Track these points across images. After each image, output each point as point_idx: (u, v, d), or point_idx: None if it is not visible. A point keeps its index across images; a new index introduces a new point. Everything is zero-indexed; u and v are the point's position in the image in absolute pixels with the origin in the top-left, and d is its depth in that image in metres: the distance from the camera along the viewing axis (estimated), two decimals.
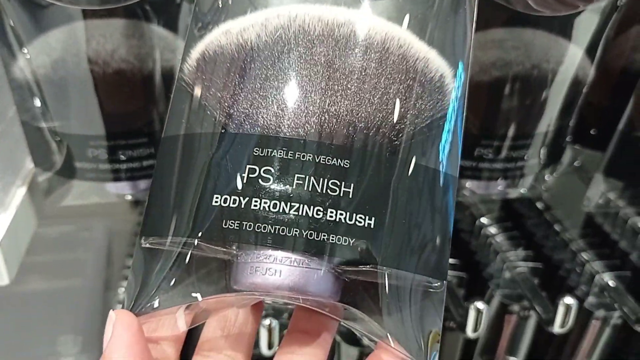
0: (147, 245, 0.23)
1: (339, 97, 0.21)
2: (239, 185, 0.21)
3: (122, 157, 0.36)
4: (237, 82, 0.22)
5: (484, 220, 0.51)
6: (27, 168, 0.38)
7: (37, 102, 0.34)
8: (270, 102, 0.21)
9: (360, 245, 0.21)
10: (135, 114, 0.35)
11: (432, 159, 0.22)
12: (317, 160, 0.21)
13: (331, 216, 0.20)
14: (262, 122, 0.21)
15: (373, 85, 0.22)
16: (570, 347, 0.49)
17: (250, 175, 0.21)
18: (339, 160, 0.21)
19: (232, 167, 0.21)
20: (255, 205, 0.20)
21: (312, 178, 0.21)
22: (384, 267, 0.21)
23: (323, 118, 0.21)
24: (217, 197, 0.21)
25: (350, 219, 0.21)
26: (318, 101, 0.21)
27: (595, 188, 0.42)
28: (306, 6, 0.22)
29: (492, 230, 0.50)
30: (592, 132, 0.45)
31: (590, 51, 0.37)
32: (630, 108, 0.38)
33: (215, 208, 0.21)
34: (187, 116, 0.23)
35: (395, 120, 0.22)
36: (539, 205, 0.55)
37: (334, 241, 0.20)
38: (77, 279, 0.61)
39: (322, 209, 0.20)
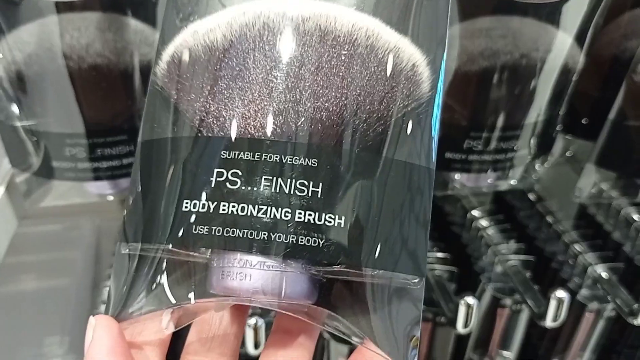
0: (126, 252, 0.22)
1: (304, 94, 0.21)
2: (208, 190, 0.20)
3: (101, 155, 0.35)
4: (205, 85, 0.21)
5: (475, 212, 0.51)
6: (5, 169, 0.37)
7: (11, 100, 0.33)
8: (236, 104, 0.21)
9: (331, 246, 0.20)
10: (113, 110, 0.34)
11: (406, 152, 0.21)
12: (284, 161, 0.20)
13: (300, 217, 0.20)
14: (229, 124, 0.21)
15: (340, 80, 0.21)
16: (563, 340, 0.49)
17: (219, 179, 0.20)
18: (307, 159, 0.20)
19: (201, 171, 0.20)
20: (223, 210, 0.20)
21: (279, 179, 0.20)
22: (358, 267, 0.20)
23: (289, 117, 0.20)
24: (187, 203, 0.20)
25: (320, 219, 0.20)
26: (283, 100, 0.20)
27: (586, 178, 0.41)
28: (270, 1, 0.21)
29: (484, 223, 0.49)
30: (583, 121, 0.45)
31: (580, 38, 0.36)
32: (621, 97, 0.37)
33: (185, 213, 0.20)
34: (158, 120, 0.22)
35: (364, 115, 0.21)
36: (531, 196, 0.55)
37: (303, 243, 0.20)
38: (65, 278, 0.60)
39: (290, 211, 0.20)
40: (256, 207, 0.20)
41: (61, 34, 0.32)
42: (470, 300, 0.39)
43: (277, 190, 0.20)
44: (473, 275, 0.48)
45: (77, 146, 0.35)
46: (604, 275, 0.46)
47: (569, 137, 0.45)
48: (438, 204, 0.54)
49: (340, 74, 0.21)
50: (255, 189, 0.20)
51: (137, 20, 0.33)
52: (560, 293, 0.40)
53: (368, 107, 0.21)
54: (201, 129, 0.21)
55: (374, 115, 0.21)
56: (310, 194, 0.20)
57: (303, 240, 0.20)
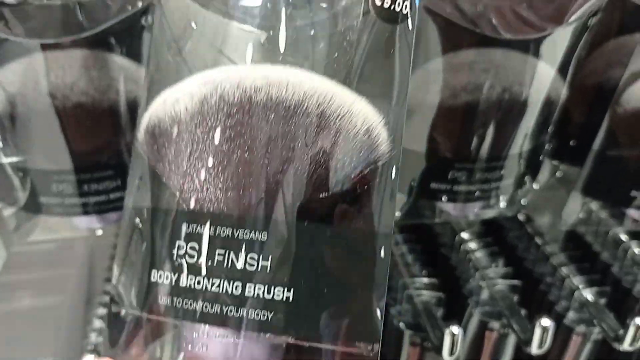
0: (113, 310, 0.23)
1: (256, 168, 0.21)
2: (170, 262, 0.21)
3: (88, 191, 0.35)
4: (171, 157, 0.22)
5: (464, 235, 0.51)
6: None
7: None
8: (194, 177, 0.21)
9: (280, 319, 0.20)
10: (99, 147, 0.34)
11: (361, 220, 0.22)
12: (235, 236, 0.21)
13: (249, 291, 0.20)
14: (188, 197, 0.21)
15: (291, 152, 0.21)
16: None
17: (179, 252, 0.21)
18: (256, 233, 0.21)
19: (166, 243, 0.21)
20: (182, 282, 0.21)
21: (231, 253, 0.20)
22: (307, 340, 0.21)
23: (241, 192, 0.21)
24: (154, 273, 0.21)
25: (269, 293, 0.20)
26: (235, 174, 0.21)
27: (572, 207, 0.41)
28: (230, 69, 0.22)
29: (472, 245, 0.50)
30: (571, 144, 0.45)
31: (563, 70, 0.36)
32: (605, 128, 0.38)
33: (153, 284, 0.21)
34: (136, 187, 0.23)
35: (316, 186, 0.21)
36: (521, 217, 0.55)
37: (253, 317, 0.20)
38: (58, 295, 0.60)
39: (240, 284, 0.20)
40: (210, 280, 0.20)
41: (46, 73, 0.32)
42: (455, 330, 0.39)
43: (229, 265, 0.20)
44: (461, 298, 0.48)
45: (64, 182, 0.35)
46: (591, 298, 0.46)
47: (555, 162, 0.45)
48: (428, 225, 0.54)
49: (292, 145, 0.21)
50: (210, 262, 0.21)
51: (122, 56, 0.33)
52: (545, 321, 0.40)
53: (320, 177, 0.21)
54: (168, 200, 0.22)
55: (326, 184, 0.21)
56: (259, 268, 0.20)
57: (253, 314, 0.20)
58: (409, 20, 0.22)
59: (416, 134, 0.37)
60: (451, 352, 0.40)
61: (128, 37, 0.33)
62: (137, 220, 0.23)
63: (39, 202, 0.35)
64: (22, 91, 0.32)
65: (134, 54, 0.33)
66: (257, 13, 0.22)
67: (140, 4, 0.31)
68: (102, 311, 0.46)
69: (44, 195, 0.35)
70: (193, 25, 0.24)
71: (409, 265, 0.48)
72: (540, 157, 0.41)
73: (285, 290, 0.20)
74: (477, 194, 0.39)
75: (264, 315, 0.20)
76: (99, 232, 0.39)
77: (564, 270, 0.49)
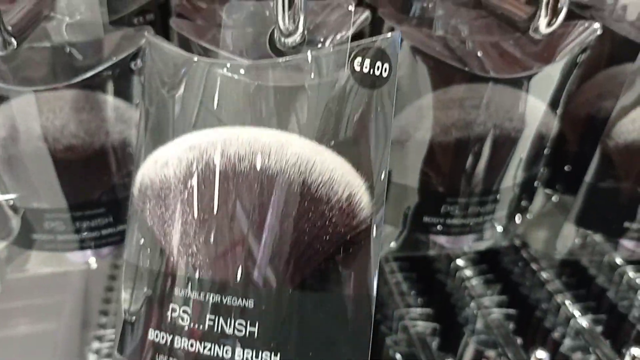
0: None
1: (240, 237, 0.21)
2: (165, 323, 0.21)
3: (80, 228, 0.35)
4: (161, 219, 0.22)
5: (459, 262, 0.51)
6: None
7: None
8: (183, 242, 0.22)
9: None
10: (90, 186, 0.34)
11: (343, 284, 0.22)
12: (224, 302, 0.21)
13: (239, 356, 0.20)
14: (177, 261, 0.21)
15: (274, 220, 0.21)
16: None
17: (173, 315, 0.21)
18: (244, 300, 0.21)
19: (161, 303, 0.21)
20: (177, 344, 0.21)
21: (220, 319, 0.21)
22: None
23: (227, 260, 0.21)
24: (151, 332, 0.21)
25: (257, 357, 0.21)
26: (221, 243, 0.21)
27: (565, 237, 0.41)
28: (215, 134, 0.22)
29: (468, 272, 0.50)
30: (565, 170, 0.45)
31: (554, 105, 0.36)
32: (596, 160, 0.38)
33: (150, 342, 0.21)
34: (133, 243, 0.23)
35: (299, 254, 0.21)
36: (516, 242, 0.55)
37: None
38: (54, 321, 0.60)
39: (230, 349, 0.21)
40: (202, 343, 0.21)
41: (37, 116, 0.32)
42: None
43: (219, 330, 0.21)
44: (457, 327, 0.48)
45: (56, 220, 0.35)
46: (586, 326, 0.46)
47: (549, 191, 0.45)
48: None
49: (274, 214, 0.21)
50: (201, 327, 0.21)
51: (112, 96, 0.33)
52: (541, 354, 0.40)
53: (302, 245, 0.21)
54: (160, 262, 0.22)
55: (309, 252, 0.22)
56: (247, 334, 0.21)
57: None
58: (388, 83, 0.22)
59: (409, 169, 0.37)
60: None
61: (119, 76, 0.33)
62: (135, 275, 0.23)
63: (31, 238, 0.36)
64: (13, 134, 0.32)
65: (125, 94, 0.33)
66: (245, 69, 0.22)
67: (130, 49, 0.31)
68: (101, 332, 0.46)
69: (36, 232, 0.35)
70: (182, 72, 0.25)
71: (404, 294, 0.48)
72: (534, 189, 0.41)
73: (273, 354, 0.21)
74: (470, 226, 0.39)
75: None
76: (94, 266, 0.39)
77: (560, 297, 0.49)
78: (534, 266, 0.52)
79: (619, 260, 0.51)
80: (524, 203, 0.41)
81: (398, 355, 0.44)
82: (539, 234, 0.49)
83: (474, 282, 0.49)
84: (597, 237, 0.48)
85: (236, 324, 0.21)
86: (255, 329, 0.21)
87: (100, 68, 0.31)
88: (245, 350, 0.21)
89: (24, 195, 0.34)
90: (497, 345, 0.45)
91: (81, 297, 0.63)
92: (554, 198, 0.45)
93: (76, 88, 0.32)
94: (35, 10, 0.31)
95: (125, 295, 0.24)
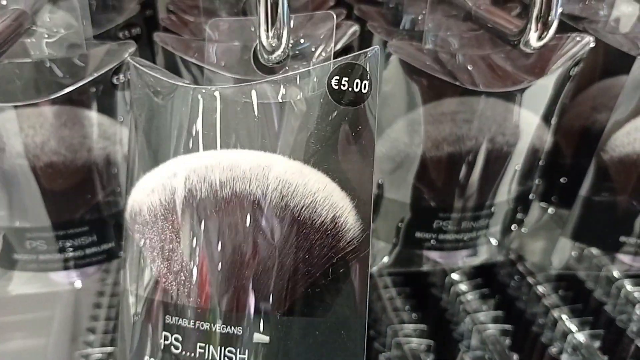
0: None
1: (226, 264, 0.21)
2: (159, 351, 0.21)
3: (63, 247, 0.35)
4: (152, 246, 0.22)
5: (454, 276, 0.50)
6: None
7: None
8: (171, 270, 0.21)
9: None
10: (72, 204, 0.34)
11: (331, 308, 0.21)
12: (213, 329, 0.20)
13: None
14: (167, 289, 0.21)
15: (257, 247, 0.21)
16: None
17: (165, 342, 0.21)
18: (232, 327, 0.20)
19: (154, 331, 0.21)
20: None
21: (210, 347, 0.20)
22: None
23: (213, 287, 0.21)
24: (146, 358, 0.21)
25: None
26: (208, 270, 0.21)
27: (561, 251, 0.41)
28: (197, 159, 0.21)
29: (463, 287, 0.49)
30: (559, 189, 0.44)
31: (547, 118, 0.36)
32: (591, 173, 0.37)
33: None
34: (128, 267, 0.23)
35: (284, 280, 0.21)
36: (512, 256, 0.54)
37: None
38: (43, 337, 0.59)
39: None
40: None
41: (18, 132, 0.31)
42: None
43: (210, 358, 0.20)
44: (452, 343, 0.47)
45: (38, 239, 0.34)
46: (583, 341, 0.45)
47: (544, 204, 0.44)
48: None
49: (258, 240, 0.21)
50: (192, 354, 0.20)
51: (94, 112, 0.32)
52: None
53: (288, 270, 0.21)
54: (148, 289, 0.21)
55: (295, 276, 0.21)
56: None
57: None
58: (370, 99, 0.22)
59: (400, 184, 0.36)
60: None
61: (102, 91, 0.32)
62: (129, 301, 0.23)
63: (13, 258, 0.35)
64: None
65: (107, 111, 0.33)
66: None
67: (112, 64, 0.30)
68: (88, 350, 0.44)
69: (17, 252, 0.34)
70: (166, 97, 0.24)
71: (398, 309, 0.47)
72: (528, 202, 0.40)
73: None
74: (463, 242, 0.38)
75: None
76: (78, 285, 0.38)
77: (557, 311, 0.48)
78: (530, 280, 0.51)
79: (616, 274, 0.51)
80: (519, 216, 0.41)
81: None
82: (535, 248, 0.48)
83: (469, 296, 0.48)
84: (594, 251, 0.47)
85: (225, 351, 0.21)
86: (245, 357, 0.20)
87: (81, 83, 0.30)
88: None
89: (4, 214, 0.33)
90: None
91: (70, 313, 0.62)
92: (550, 211, 0.44)
93: (57, 104, 0.31)
94: (15, 24, 0.30)
95: (120, 324, 0.24)
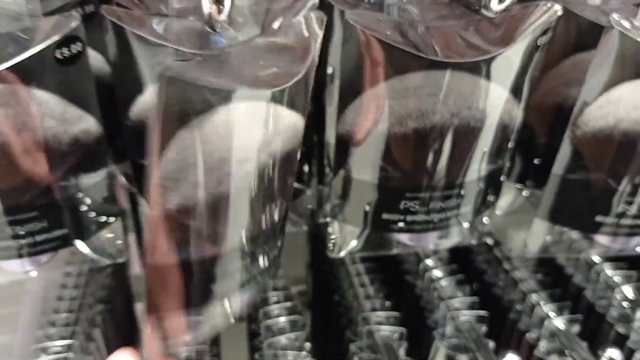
0: None
1: None
2: None
3: (12, 234, 0.33)
4: None
5: (428, 262, 0.49)
6: None
7: None
8: None
9: None
10: (19, 187, 0.32)
11: None
12: None
13: None
14: None
15: None
16: None
17: None
18: None
19: None
20: None
21: None
22: None
23: None
24: None
25: None
26: None
27: (535, 234, 0.39)
28: None
29: (437, 273, 0.48)
30: (532, 169, 0.43)
31: (516, 92, 0.34)
32: (565, 150, 0.36)
33: None
34: None
35: None
36: (489, 241, 0.53)
37: None
38: (8, 334, 0.57)
39: None
40: None
41: None
42: None
43: None
44: (427, 331, 0.46)
45: None
46: (562, 327, 0.44)
47: (519, 186, 0.43)
48: None
49: None
50: None
51: (37, 89, 0.30)
52: (512, 357, 0.38)
53: None
54: None
55: None
56: None
57: None
58: None
59: (366, 164, 0.35)
60: None
61: (42, 70, 0.30)
62: None
63: None
64: None
65: (56, 88, 0.31)
66: None
67: (55, 37, 0.29)
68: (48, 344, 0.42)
69: None
70: None
71: (371, 297, 0.45)
72: (499, 183, 0.39)
73: None
74: (433, 223, 0.37)
75: None
76: (34, 275, 0.36)
77: (534, 297, 0.47)
78: (506, 265, 0.50)
79: (595, 258, 0.50)
80: (490, 198, 0.39)
81: None
82: (511, 231, 0.47)
83: (444, 282, 0.47)
84: (573, 234, 0.46)
85: None
86: None
87: (20, 58, 0.28)
88: None
89: None
90: (469, 349, 0.43)
91: (38, 309, 0.60)
92: (525, 193, 0.43)
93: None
94: None
95: None
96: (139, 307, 0.64)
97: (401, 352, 0.41)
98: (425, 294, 0.47)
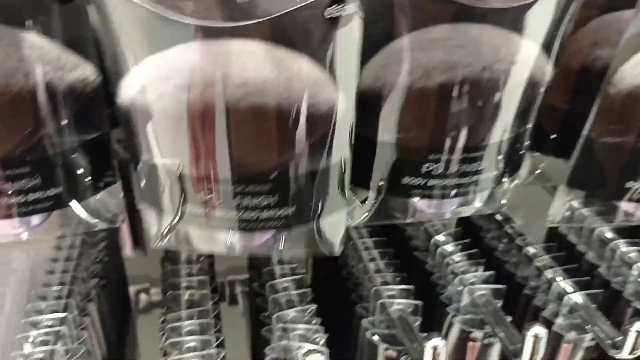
0: None
1: None
2: None
3: (2, 191, 0.30)
4: None
5: (439, 238, 0.46)
6: None
7: None
8: None
9: None
10: (9, 140, 0.29)
11: None
12: None
13: None
14: None
15: None
16: None
17: None
18: None
19: None
20: None
21: None
22: None
23: None
24: None
25: None
26: None
27: (559, 202, 0.37)
28: None
29: (449, 248, 0.45)
30: (552, 137, 0.41)
31: (547, 48, 0.32)
32: (595, 112, 0.34)
33: None
34: None
35: None
36: (499, 217, 0.51)
37: None
38: None
39: None
40: None
41: None
42: (437, 342, 0.34)
43: None
44: (439, 307, 0.44)
45: None
46: (580, 302, 0.42)
47: (536, 154, 0.41)
48: (400, 227, 0.50)
49: None
50: None
51: (31, 33, 0.28)
52: (538, 329, 0.36)
53: None
54: None
55: None
56: None
57: None
58: None
59: (385, 122, 0.33)
60: None
61: (37, 12, 0.28)
62: None
63: None
64: None
65: (50, 31, 0.28)
66: None
67: None
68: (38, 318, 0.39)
69: None
70: None
71: (381, 271, 0.43)
72: (523, 149, 0.37)
73: None
74: (454, 189, 0.35)
75: None
76: (25, 237, 0.33)
77: (550, 272, 0.44)
78: (519, 242, 0.48)
79: (609, 235, 0.48)
80: (511, 165, 0.37)
81: (376, 338, 0.40)
82: (525, 203, 0.45)
83: (456, 258, 0.44)
84: (586, 211, 0.44)
85: None
86: None
87: None
88: None
89: None
90: (485, 324, 0.41)
91: (25, 290, 0.57)
92: (542, 162, 0.41)
93: None
94: None
95: None
96: (133, 290, 0.61)
97: (416, 326, 0.39)
98: (437, 270, 0.45)
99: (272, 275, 0.42)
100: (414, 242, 0.49)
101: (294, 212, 0.30)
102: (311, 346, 0.34)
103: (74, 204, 0.33)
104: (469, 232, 0.49)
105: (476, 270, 0.43)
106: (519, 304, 0.45)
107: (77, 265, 0.42)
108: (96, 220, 0.34)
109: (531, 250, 0.47)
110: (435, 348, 0.34)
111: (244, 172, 0.28)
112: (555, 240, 0.49)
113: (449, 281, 0.44)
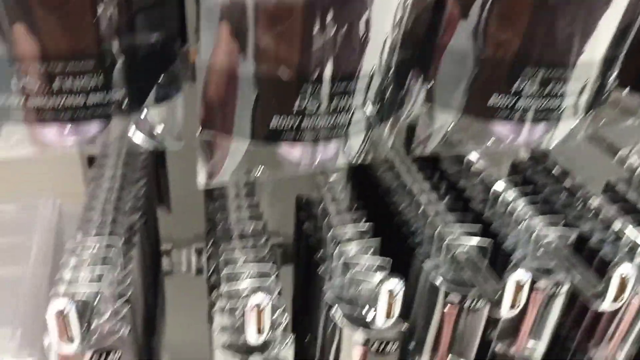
0: None
1: None
2: None
3: (60, 89, 0.27)
4: None
5: (498, 186, 0.44)
6: None
7: None
8: None
9: None
10: (69, 26, 0.26)
11: None
12: None
13: None
14: None
15: None
16: (602, 328, 0.43)
17: None
18: None
19: None
20: None
21: None
22: None
23: None
24: None
25: None
26: None
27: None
28: None
29: (509, 196, 0.43)
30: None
31: None
32: None
33: None
34: None
35: None
36: (556, 171, 0.49)
37: None
38: (19, 266, 0.52)
39: None
40: None
41: None
42: (520, 275, 0.32)
43: None
44: (501, 256, 0.41)
45: (27, 74, 0.27)
46: None
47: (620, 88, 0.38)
48: (452, 180, 0.47)
49: None
50: None
51: None
52: (625, 268, 0.33)
53: None
54: None
55: None
56: None
57: None
58: None
59: (467, 30, 0.30)
60: (513, 305, 0.32)
61: None
62: None
63: None
64: None
65: None
66: None
67: None
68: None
69: (3, 92, 0.27)
70: None
71: (440, 213, 0.40)
72: (612, 74, 0.34)
73: None
74: (541, 112, 0.32)
75: None
76: (69, 143, 0.30)
77: (618, 223, 0.42)
78: (579, 194, 0.46)
79: None
80: (597, 97, 0.34)
81: (440, 280, 0.37)
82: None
83: (519, 204, 0.42)
84: None
85: None
86: None
87: None
88: None
89: None
90: (552, 271, 0.38)
91: (51, 240, 0.55)
92: (623, 94, 0.38)
93: None
94: None
95: None
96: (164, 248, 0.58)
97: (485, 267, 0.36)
98: (497, 219, 0.43)
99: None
100: (469, 193, 0.46)
101: None
102: (381, 274, 0.32)
103: (134, 116, 0.30)
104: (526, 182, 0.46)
105: (540, 216, 0.40)
106: (587, 259, 0.43)
107: (119, 197, 0.39)
108: (153, 140, 0.31)
109: (594, 202, 0.44)
110: (518, 282, 0.32)
111: None
112: (615, 194, 0.47)
113: (510, 230, 0.41)
